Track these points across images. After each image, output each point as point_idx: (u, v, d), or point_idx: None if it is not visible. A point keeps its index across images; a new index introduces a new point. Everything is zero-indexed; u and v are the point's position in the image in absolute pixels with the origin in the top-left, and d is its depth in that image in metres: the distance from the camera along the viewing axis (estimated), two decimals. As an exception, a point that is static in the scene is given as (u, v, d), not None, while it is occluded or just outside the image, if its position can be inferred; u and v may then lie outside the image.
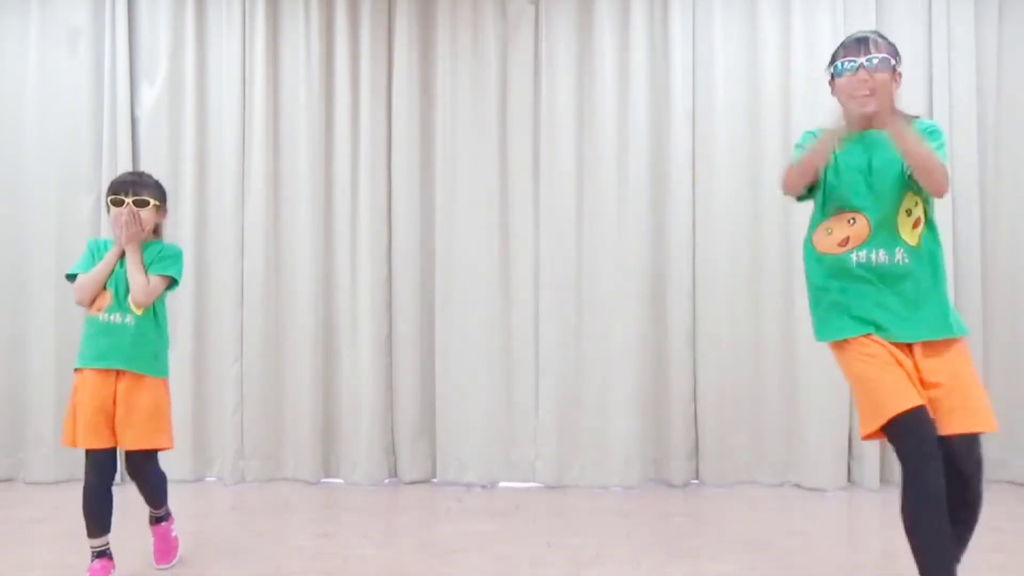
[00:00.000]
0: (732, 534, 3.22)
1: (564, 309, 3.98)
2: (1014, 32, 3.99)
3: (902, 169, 2.19)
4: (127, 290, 2.65)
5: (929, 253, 2.27)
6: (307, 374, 3.99)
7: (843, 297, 2.26)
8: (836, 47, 2.32)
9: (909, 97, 3.92)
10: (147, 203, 2.69)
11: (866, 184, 2.24)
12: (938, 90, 3.88)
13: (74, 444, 2.60)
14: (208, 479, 4.06)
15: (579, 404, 3.97)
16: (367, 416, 3.99)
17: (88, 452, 2.60)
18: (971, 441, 2.17)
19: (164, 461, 3.77)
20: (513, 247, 4.03)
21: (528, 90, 4.04)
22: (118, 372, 2.63)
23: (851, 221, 2.26)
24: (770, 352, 3.94)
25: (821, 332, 2.33)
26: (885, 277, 2.23)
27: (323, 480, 4.04)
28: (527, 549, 3.03)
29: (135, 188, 2.69)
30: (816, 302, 2.34)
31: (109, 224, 2.74)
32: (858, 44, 2.25)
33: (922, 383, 2.18)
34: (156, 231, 2.79)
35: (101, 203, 3.93)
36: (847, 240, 2.26)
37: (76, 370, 2.67)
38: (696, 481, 3.99)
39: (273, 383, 4.04)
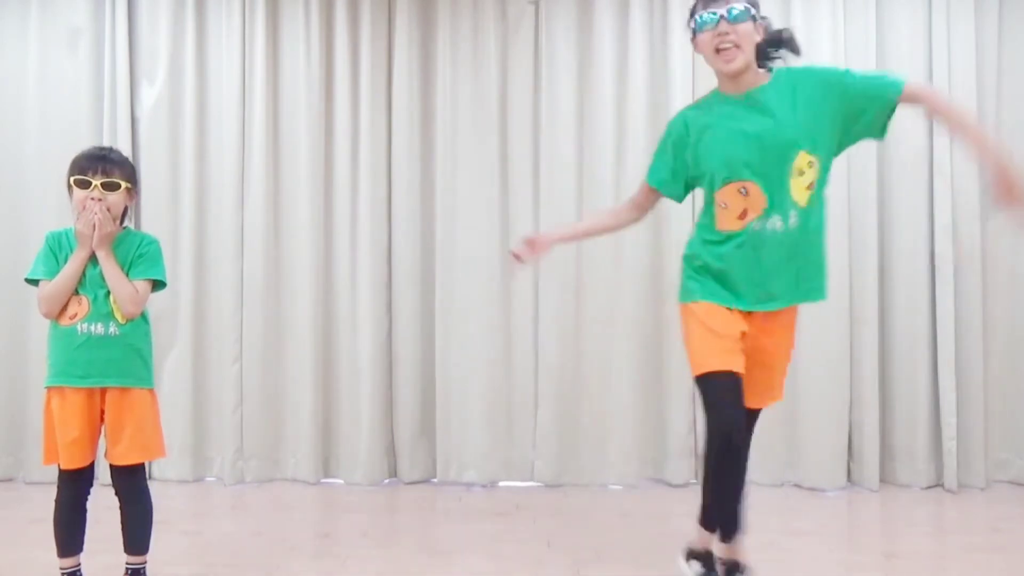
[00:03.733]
0: (732, 534, 3.21)
1: (564, 309, 3.98)
2: (1014, 32, 3.98)
3: (793, 131, 2.18)
4: (107, 294, 2.32)
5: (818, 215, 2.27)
6: (307, 374, 3.99)
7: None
8: (695, 2, 2.26)
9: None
10: (118, 186, 2.33)
11: (756, 150, 2.20)
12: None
13: (57, 463, 2.33)
14: (208, 479, 4.06)
15: (579, 404, 3.97)
16: (367, 416, 3.99)
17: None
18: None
19: (164, 461, 3.78)
20: (513, 247, 4.03)
21: (528, 90, 4.04)
22: (104, 388, 2.33)
23: (743, 191, 2.22)
24: (770, 352, 3.94)
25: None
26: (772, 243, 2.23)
27: (323, 480, 4.04)
28: (527, 549, 3.03)
29: (104, 167, 2.32)
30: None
31: (72, 209, 2.35)
32: None
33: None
34: (123, 216, 2.42)
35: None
36: (745, 212, 2.23)
37: (49, 388, 2.34)
38: (696, 481, 3.99)
39: (273, 383, 4.04)
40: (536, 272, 4.00)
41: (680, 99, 3.94)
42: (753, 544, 3.06)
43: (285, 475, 4.05)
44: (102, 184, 2.31)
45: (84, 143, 3.96)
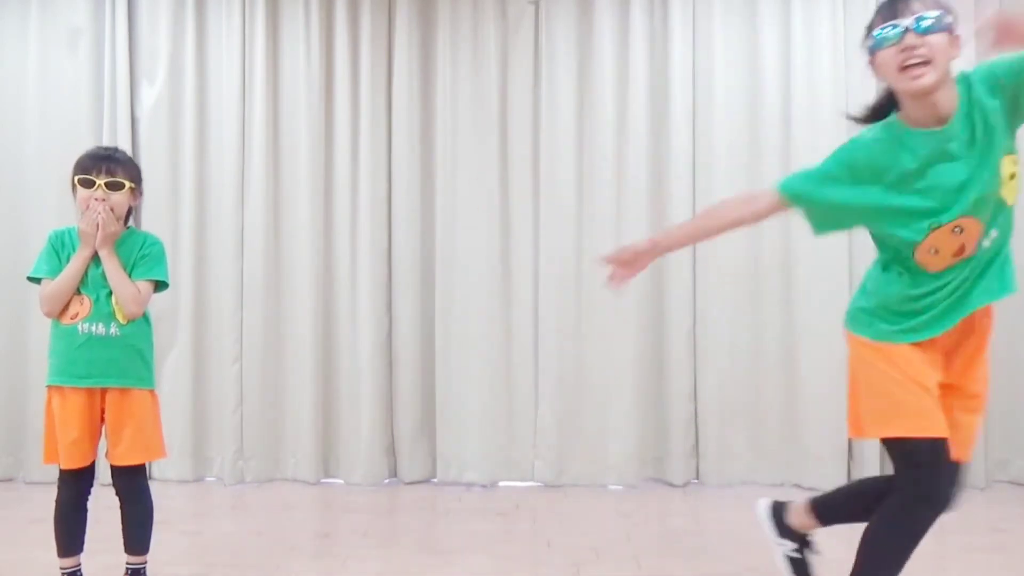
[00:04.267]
0: (732, 534, 3.21)
1: (564, 309, 3.98)
2: (1014, 32, 3.98)
3: (995, 151, 1.78)
4: (109, 294, 2.31)
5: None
6: (307, 374, 3.99)
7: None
8: (873, 15, 1.81)
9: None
10: (122, 186, 2.32)
11: (969, 192, 1.81)
12: (938, 90, 3.88)
13: (57, 463, 2.33)
14: (208, 479, 4.06)
15: (579, 404, 3.98)
16: (367, 416, 3.99)
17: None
18: None
19: (164, 461, 3.76)
20: (513, 247, 4.04)
21: (528, 90, 4.04)
22: (104, 388, 2.32)
23: (958, 230, 1.85)
24: (770, 352, 3.94)
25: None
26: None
27: (323, 480, 4.04)
28: (527, 549, 3.03)
29: (109, 167, 2.31)
30: None
31: (76, 209, 2.34)
32: (899, 4, 1.76)
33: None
34: (127, 216, 2.40)
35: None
36: (962, 248, 1.87)
37: (50, 386, 2.33)
38: (696, 481, 3.99)
39: (273, 383, 4.04)
40: (536, 271, 4.01)
41: (680, 99, 3.95)
42: (753, 544, 3.07)
43: (285, 475, 4.05)
44: (106, 184, 2.30)
45: (84, 143, 3.98)
